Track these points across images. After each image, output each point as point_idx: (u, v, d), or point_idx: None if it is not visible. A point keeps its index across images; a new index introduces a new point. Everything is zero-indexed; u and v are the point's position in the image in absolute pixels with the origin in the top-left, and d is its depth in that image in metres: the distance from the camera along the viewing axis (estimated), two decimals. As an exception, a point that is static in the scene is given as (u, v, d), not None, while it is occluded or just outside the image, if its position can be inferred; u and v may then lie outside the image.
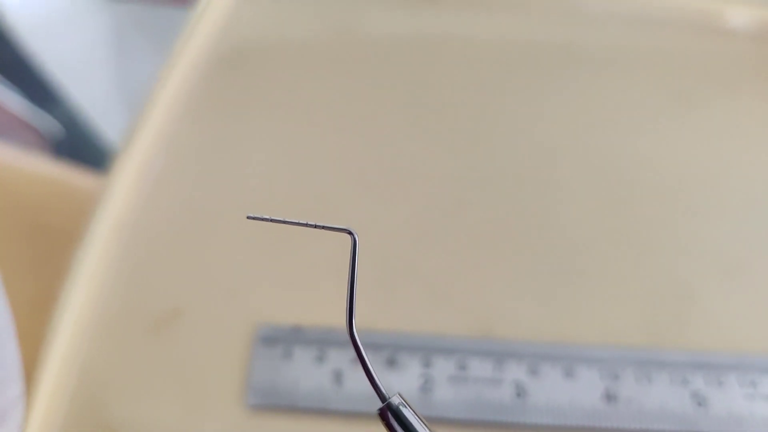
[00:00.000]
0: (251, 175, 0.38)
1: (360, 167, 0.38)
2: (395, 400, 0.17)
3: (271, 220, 0.19)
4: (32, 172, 0.55)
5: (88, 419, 0.31)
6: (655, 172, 0.38)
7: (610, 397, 0.31)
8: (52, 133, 0.90)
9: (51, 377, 0.31)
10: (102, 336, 0.33)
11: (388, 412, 0.16)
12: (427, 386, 0.31)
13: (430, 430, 0.16)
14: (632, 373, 0.32)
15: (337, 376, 0.32)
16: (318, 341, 0.33)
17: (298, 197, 0.37)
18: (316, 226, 0.19)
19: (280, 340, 0.33)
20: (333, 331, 0.33)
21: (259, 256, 0.35)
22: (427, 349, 0.32)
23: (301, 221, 0.19)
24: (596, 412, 0.31)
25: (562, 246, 0.36)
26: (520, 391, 0.31)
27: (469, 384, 0.32)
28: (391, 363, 0.32)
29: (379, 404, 0.17)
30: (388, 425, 0.16)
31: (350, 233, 0.18)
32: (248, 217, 0.19)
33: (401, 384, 0.31)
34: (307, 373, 0.32)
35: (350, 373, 0.32)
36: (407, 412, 0.16)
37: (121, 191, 0.35)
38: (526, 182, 0.38)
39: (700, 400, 0.31)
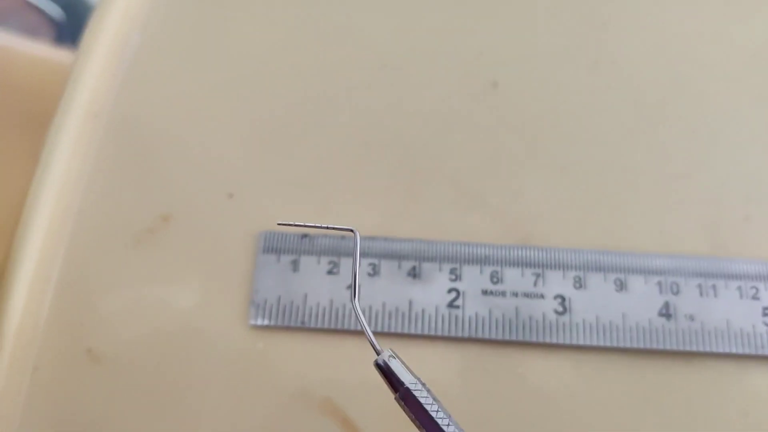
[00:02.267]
0: (247, 55, 0.32)
1: (376, 46, 0.32)
2: (386, 354, 0.21)
3: (294, 225, 0.24)
4: (34, 57, 0.52)
5: (66, 342, 0.27)
6: (721, 53, 0.32)
7: (669, 313, 0.27)
8: (55, 17, 0.84)
9: (22, 296, 0.27)
10: (77, 247, 0.28)
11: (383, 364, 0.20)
12: (456, 302, 0.27)
13: (414, 375, 0.20)
14: (695, 285, 0.28)
15: (354, 289, 0.27)
16: (330, 251, 0.28)
17: (303, 79, 0.31)
18: (324, 228, 0.24)
19: (287, 249, 0.28)
20: (347, 238, 0.28)
21: (260, 151, 0.30)
22: (456, 259, 0.28)
23: (308, 224, 0.24)
24: (653, 331, 0.27)
25: (613, 137, 0.30)
26: (565, 307, 0.27)
27: (504, 299, 0.27)
28: (416, 276, 0.28)
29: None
30: (383, 373, 0.20)
31: (353, 231, 0.23)
32: (279, 224, 0.25)
33: (427, 299, 0.27)
34: (318, 287, 0.27)
35: (367, 286, 0.27)
36: (396, 363, 0.20)
37: (92, 72, 0.30)
38: (571, 63, 0.32)
39: (772, 317, 0.27)
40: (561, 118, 0.31)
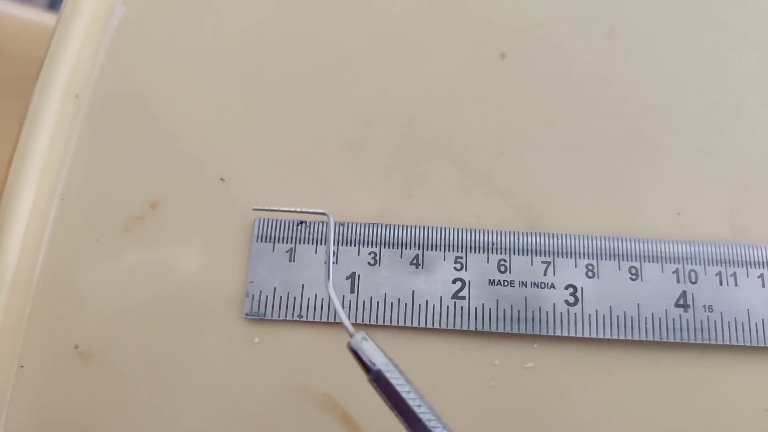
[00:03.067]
0: (239, 27, 0.30)
1: (377, 15, 0.30)
2: (359, 336, 0.20)
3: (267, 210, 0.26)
4: (27, 22, 0.52)
5: (51, 339, 0.26)
6: (747, 19, 0.30)
7: (687, 303, 0.26)
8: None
9: (3, 290, 0.25)
10: (61, 236, 0.27)
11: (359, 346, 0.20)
12: (461, 293, 0.26)
13: (387, 356, 0.20)
14: (714, 273, 0.26)
15: (352, 282, 0.26)
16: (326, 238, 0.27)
17: (299, 52, 0.29)
18: (295, 212, 0.26)
19: (282, 237, 0.27)
20: (348, 225, 0.27)
21: (253, 131, 0.28)
22: (461, 247, 0.26)
23: (282, 208, 0.26)
24: (669, 323, 0.25)
25: (629, 111, 0.28)
26: (576, 298, 0.26)
27: (513, 289, 0.26)
28: (418, 265, 0.26)
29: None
30: (356, 356, 0.20)
31: (326, 214, 0.25)
32: (254, 209, 0.27)
33: (431, 290, 0.26)
34: (316, 278, 0.26)
35: (367, 276, 0.26)
36: (368, 345, 0.20)
37: (72, 49, 0.28)
38: (585, 32, 0.29)
39: (797, 306, 0.26)
40: (574, 92, 0.29)
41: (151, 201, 0.27)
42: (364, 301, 0.26)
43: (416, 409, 0.19)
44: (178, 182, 0.27)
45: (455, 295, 0.26)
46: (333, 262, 0.26)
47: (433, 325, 0.25)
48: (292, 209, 0.25)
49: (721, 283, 0.26)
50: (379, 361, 0.20)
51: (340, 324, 0.25)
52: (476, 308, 0.26)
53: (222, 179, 0.28)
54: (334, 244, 0.26)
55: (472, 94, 0.29)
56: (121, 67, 0.29)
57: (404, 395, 0.19)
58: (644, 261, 0.26)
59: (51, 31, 0.33)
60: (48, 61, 0.27)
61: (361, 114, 0.28)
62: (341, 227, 0.27)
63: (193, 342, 0.26)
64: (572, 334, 0.25)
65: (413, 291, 0.26)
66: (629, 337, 0.25)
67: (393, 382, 0.19)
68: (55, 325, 0.26)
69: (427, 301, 0.26)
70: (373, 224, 0.27)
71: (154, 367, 0.25)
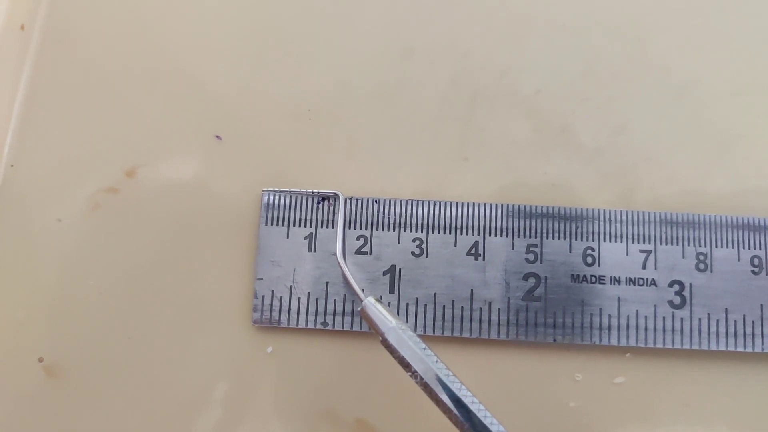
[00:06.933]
0: None
1: None
2: (371, 300, 0.18)
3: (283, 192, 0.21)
4: None
5: (9, 352, 0.20)
6: None
7: (827, 307, 0.20)
8: None
9: None
10: (11, 216, 0.21)
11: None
12: (535, 292, 0.20)
13: (393, 316, 0.18)
14: None
15: (391, 278, 0.20)
16: (358, 220, 0.20)
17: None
18: (309, 193, 0.21)
19: (299, 219, 0.20)
20: (383, 202, 0.20)
21: (257, 72, 0.21)
22: (534, 230, 0.20)
23: (301, 190, 0.21)
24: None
25: (749, 43, 0.22)
26: (683, 298, 0.20)
27: (602, 288, 0.20)
28: (478, 255, 0.20)
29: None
30: (366, 318, 0.18)
31: (337, 195, 0.21)
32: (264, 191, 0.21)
33: (494, 289, 0.20)
34: (338, 269, 0.20)
35: (410, 270, 0.20)
36: (376, 307, 0.18)
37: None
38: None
39: None
40: (679, 14, 0.22)
41: (127, 168, 0.21)
42: (407, 304, 0.20)
43: (433, 365, 0.17)
44: (161, 142, 0.21)
45: (527, 296, 0.20)
46: (367, 252, 0.20)
47: (498, 335, 0.20)
48: (301, 190, 0.21)
49: None
50: (393, 322, 0.18)
51: (374, 334, 0.20)
52: (554, 312, 0.20)
53: (218, 137, 0.21)
54: (337, 232, 0.20)
55: (545, 18, 0.22)
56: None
57: (420, 351, 0.17)
58: (770, 249, 0.20)
59: None
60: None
61: (398, 44, 0.22)
62: (375, 205, 0.20)
63: (187, 355, 0.20)
64: (677, 346, 0.20)
65: (472, 290, 0.20)
66: (749, 349, 0.20)
67: (409, 341, 0.18)
68: (12, 334, 0.20)
69: (489, 303, 0.20)
70: (418, 201, 0.20)
71: (140, 387, 0.20)
